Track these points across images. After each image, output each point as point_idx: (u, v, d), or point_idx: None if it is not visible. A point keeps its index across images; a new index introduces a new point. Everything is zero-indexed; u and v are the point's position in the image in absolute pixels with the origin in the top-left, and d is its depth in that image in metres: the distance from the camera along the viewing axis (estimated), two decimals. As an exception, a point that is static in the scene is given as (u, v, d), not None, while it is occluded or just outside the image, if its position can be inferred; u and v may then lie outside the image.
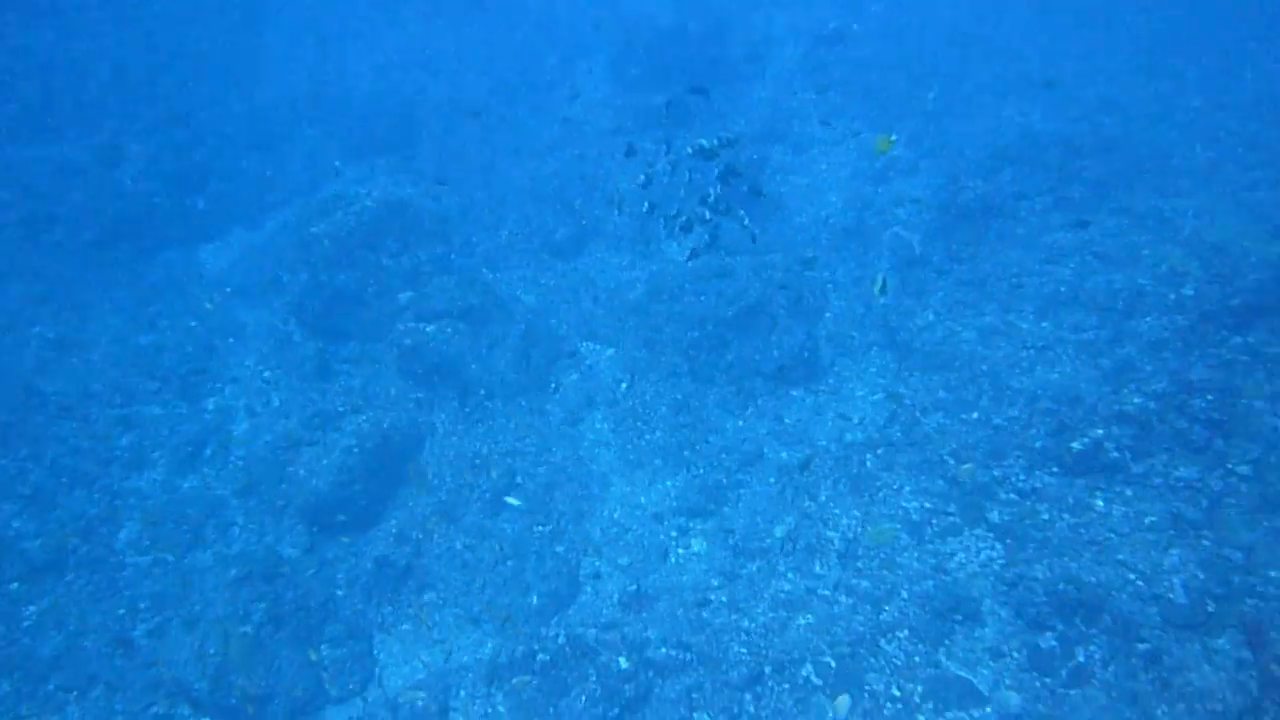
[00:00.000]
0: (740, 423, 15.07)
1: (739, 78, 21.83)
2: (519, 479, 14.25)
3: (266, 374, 15.81)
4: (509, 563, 12.91)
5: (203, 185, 20.11)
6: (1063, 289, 14.33)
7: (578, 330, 17.15)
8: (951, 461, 11.96)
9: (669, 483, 14.30)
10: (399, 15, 25.43)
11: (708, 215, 10.76)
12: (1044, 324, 14.10)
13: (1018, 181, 16.56)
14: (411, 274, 16.92)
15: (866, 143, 20.42)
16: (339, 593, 12.65)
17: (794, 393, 15.44)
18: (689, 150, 10.44)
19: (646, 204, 11.18)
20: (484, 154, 21.02)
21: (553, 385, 16.31)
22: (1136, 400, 11.19)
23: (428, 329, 15.95)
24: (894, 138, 10.36)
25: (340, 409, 14.99)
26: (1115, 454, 10.81)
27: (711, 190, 10.75)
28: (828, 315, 16.81)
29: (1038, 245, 15.35)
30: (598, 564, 13.11)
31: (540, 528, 13.42)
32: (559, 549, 13.18)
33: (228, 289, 17.86)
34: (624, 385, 16.09)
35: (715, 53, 21.60)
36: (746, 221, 11.01)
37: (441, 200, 19.77)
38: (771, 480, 13.80)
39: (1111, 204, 15.65)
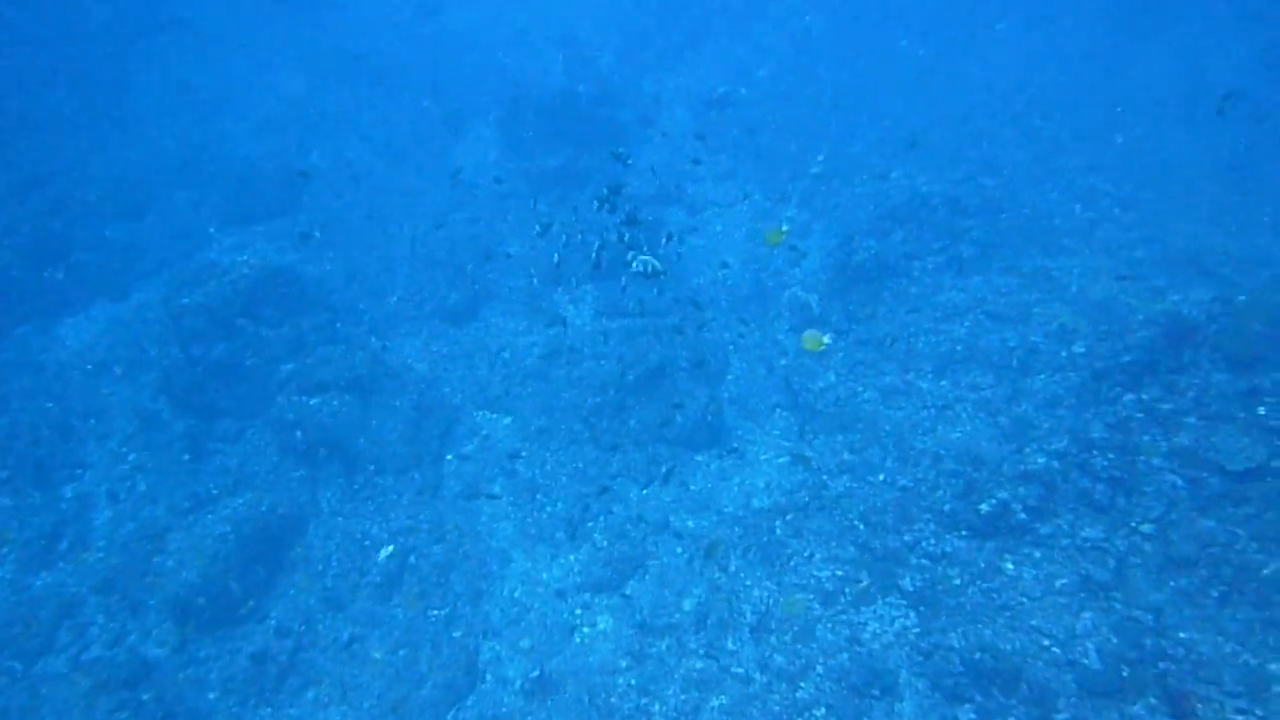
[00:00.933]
0: (644, 491, 14.67)
1: (631, 140, 21.87)
2: (412, 559, 13.49)
3: (132, 457, 14.66)
4: (401, 652, 12.09)
5: (62, 255, 18.83)
6: (959, 348, 14.55)
7: (473, 399, 16.57)
8: (861, 526, 11.80)
9: (572, 556, 13.76)
10: (278, 75, 24.69)
11: (628, 254, 10.47)
12: (943, 383, 14.26)
13: (909, 241, 16.89)
14: (294, 344, 16.09)
15: (760, 205, 20.64)
16: (211, 695, 11.59)
17: (699, 458, 15.16)
18: (594, 204, 10.22)
19: (555, 255, 10.82)
20: (371, 218, 20.37)
21: (447, 457, 15.66)
22: (1040, 460, 11.30)
23: (311, 402, 15.13)
24: (786, 229, 10.47)
25: (214, 491, 14.00)
26: (1022, 515, 10.84)
27: (621, 232, 10.49)
28: (729, 378, 16.70)
29: (932, 304, 15.60)
30: (498, 648, 12.42)
31: (435, 612, 12.67)
32: (455, 634, 12.46)
33: (89, 366, 16.62)
34: (522, 455, 15.53)
35: (606, 115, 21.62)
36: (656, 256, 10.76)
37: (326, 266, 19.01)
38: (679, 550, 13.39)
39: (1000, 263, 16.10)
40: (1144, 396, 11.27)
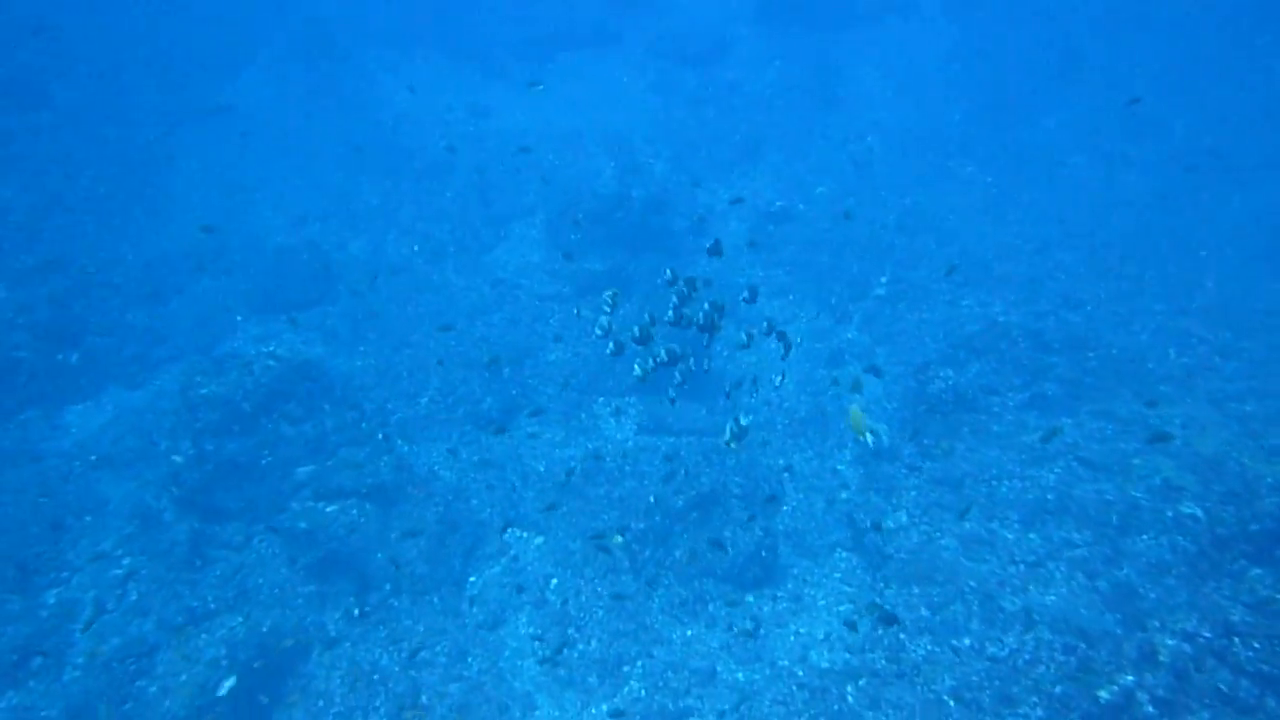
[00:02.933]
0: (689, 632, 13.30)
1: (683, 250, 21.20)
2: (424, 698, 12.08)
3: (126, 561, 13.48)
4: (409, 813, 10.59)
5: (78, 338, 18.13)
6: (1049, 497, 13.35)
7: (503, 514, 15.38)
8: (952, 704, 10.34)
9: (605, 706, 12.34)
10: (323, 167, 24.47)
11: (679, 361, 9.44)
12: (1031, 535, 13.01)
13: (986, 374, 15.86)
14: (315, 444, 15.06)
15: (819, 323, 19.75)
16: None
17: (749, 598, 13.84)
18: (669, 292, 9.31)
19: (612, 343, 9.62)
20: (406, 315, 19.65)
21: (471, 579, 14.39)
22: (1168, 641, 9.90)
23: (328, 509, 14.03)
24: (873, 429, 9.56)
25: (212, 606, 12.77)
26: (1150, 708, 9.41)
27: (702, 309, 9.47)
28: (785, 509, 15.46)
29: (1016, 445, 14.45)
30: (520, 814, 10.88)
31: (450, 765, 11.19)
32: (472, 794, 10.94)
33: (92, 457, 15.64)
34: (554, 582, 14.23)
35: (658, 223, 21.02)
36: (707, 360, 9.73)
37: (356, 362, 18.17)
38: (726, 708, 11.91)
39: (1090, 405, 14.99)
40: (1285, 574, 9.91)
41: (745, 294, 10.14)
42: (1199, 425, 14.06)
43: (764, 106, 27.33)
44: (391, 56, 30.76)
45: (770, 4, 32.40)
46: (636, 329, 9.44)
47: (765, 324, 10.09)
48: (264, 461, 14.38)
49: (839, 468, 16.13)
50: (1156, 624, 10.24)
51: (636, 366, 9.25)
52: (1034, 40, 29.67)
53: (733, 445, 8.85)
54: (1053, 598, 11.96)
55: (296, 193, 24.07)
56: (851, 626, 12.42)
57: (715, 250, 10.32)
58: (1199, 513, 11.97)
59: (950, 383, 15.58)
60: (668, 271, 9.72)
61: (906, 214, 22.72)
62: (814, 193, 24.09)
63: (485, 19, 32.24)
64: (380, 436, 15.60)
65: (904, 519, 14.05)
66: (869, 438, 10.54)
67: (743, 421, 9.00)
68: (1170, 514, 12.41)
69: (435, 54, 31.25)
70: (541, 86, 20.14)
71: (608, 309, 9.47)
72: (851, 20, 32.38)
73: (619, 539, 14.17)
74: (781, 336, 9.76)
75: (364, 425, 15.76)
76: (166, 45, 28.34)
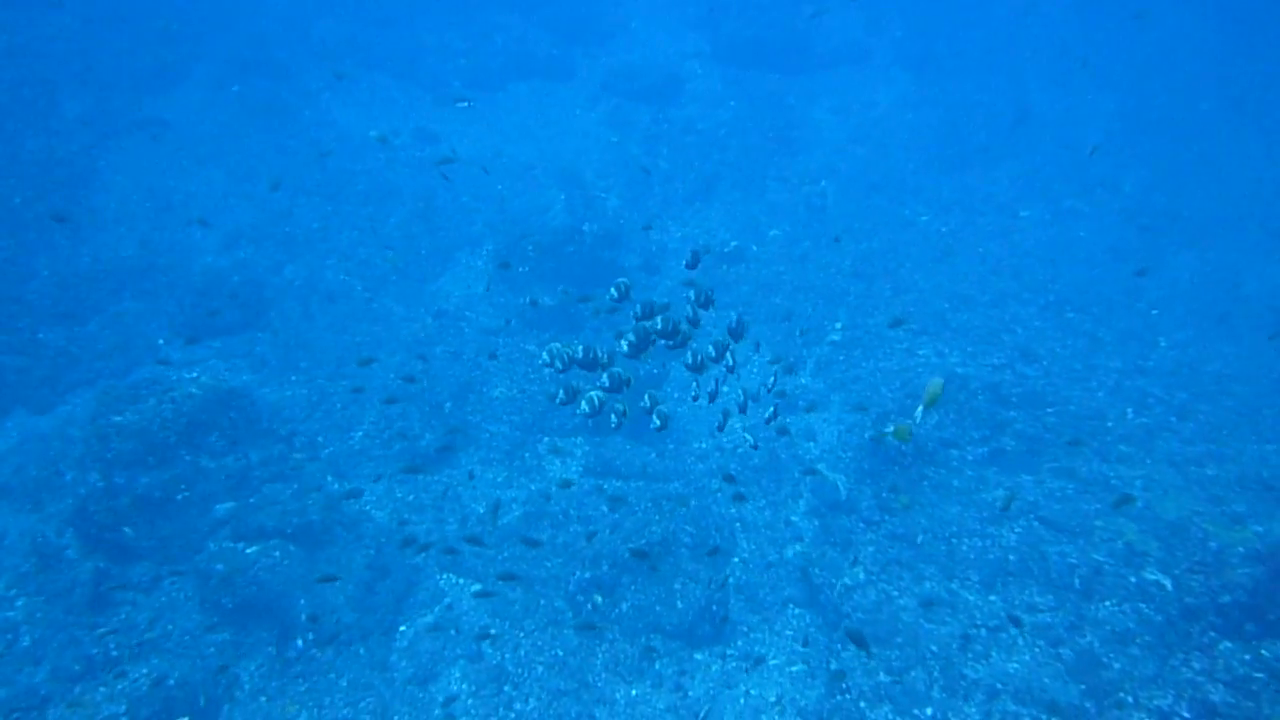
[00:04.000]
0: (634, 691, 12.67)
1: (635, 287, 20.70)
2: (348, 761, 11.22)
3: (20, 603, 12.41)
4: None
5: (-18, 356, 16.96)
6: (1010, 557, 13.16)
7: (438, 559, 14.57)
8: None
9: (543, 770, 11.56)
10: (257, 186, 23.58)
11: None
12: (992, 598, 12.75)
13: (945, 427, 15.67)
14: (237, 479, 14.16)
15: (770, 368, 19.37)
16: None
17: (699, 656, 13.28)
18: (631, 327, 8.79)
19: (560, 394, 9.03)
20: (342, 343, 18.81)
21: (401, 629, 13.59)
22: (1143, 720, 9.56)
23: (248, 550, 13.14)
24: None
25: (114, 653, 11.80)
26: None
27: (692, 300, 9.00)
28: (735, 560, 14.90)
29: (976, 502, 14.22)
30: None
31: (372, 837, 10.33)
32: None
33: (-12, 485, 14.51)
34: (492, 633, 13.45)
35: (609, 257, 20.59)
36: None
37: (287, 391, 17.29)
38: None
39: (1051, 463, 14.84)
40: (1265, 652, 9.64)
41: (688, 311, 9.53)
42: (1160, 488, 13.99)
43: (718, 146, 27.18)
44: (337, 79, 30.01)
45: (725, 45, 32.48)
46: (580, 349, 8.91)
47: (720, 357, 9.57)
48: (180, 497, 13.42)
49: (793, 519, 15.67)
50: (1129, 699, 9.91)
51: (584, 403, 8.70)
52: (986, 92, 30.10)
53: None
54: (1015, 665, 11.65)
55: (230, 213, 23.11)
56: (798, 686, 11.90)
57: (693, 263, 9.83)
58: (1166, 581, 11.81)
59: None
60: (612, 290, 9.17)
61: (862, 260, 22.61)
62: (767, 234, 23.89)
63: (435, 44, 31.73)
64: (310, 472, 14.74)
65: (861, 576, 13.62)
66: (918, 413, 10.22)
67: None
68: (1134, 580, 12.29)
69: (383, 77, 30.60)
70: (466, 104, 19.48)
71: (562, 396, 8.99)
72: (806, 65, 32.59)
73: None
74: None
75: (293, 459, 14.90)
76: (98, 56, 27.28)
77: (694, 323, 8.88)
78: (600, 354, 8.98)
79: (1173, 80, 30.77)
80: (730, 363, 9.39)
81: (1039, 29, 35.27)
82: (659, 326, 8.60)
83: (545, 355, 8.97)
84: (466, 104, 19.50)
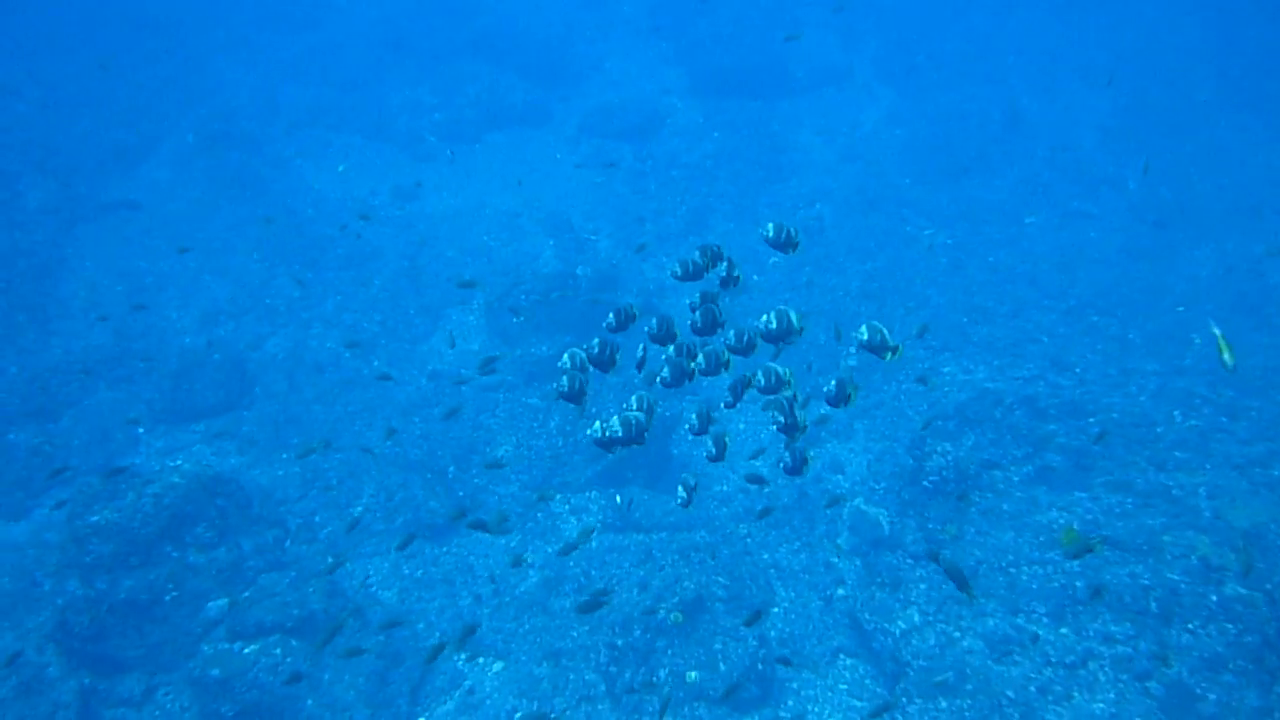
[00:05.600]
0: (684, 770, 11.58)
1: (635, 329, 19.92)
2: None
3: (-2, 731, 11.36)
4: None
5: (-51, 464, 16.04)
6: (1077, 584, 12.19)
7: (454, 638, 13.54)
8: None
9: None
10: (233, 259, 22.85)
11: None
12: (1063, 630, 11.81)
13: (984, 447, 14.81)
14: (230, 573, 13.21)
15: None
16: None
17: (748, 721, 12.19)
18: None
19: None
20: (334, 415, 17.94)
21: (420, 720, 12.52)
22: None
23: (246, 651, 12.17)
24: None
25: (105, 781, 10.68)
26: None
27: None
28: (775, 611, 13.93)
29: (1030, 526, 13.32)
30: None
31: None
32: None
33: (-40, 603, 13.49)
34: (519, 717, 12.44)
35: (608, 300, 19.77)
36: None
37: (278, 471, 16.38)
38: None
39: (1104, 477, 13.97)
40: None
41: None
42: (1227, 495, 13.08)
43: (707, 177, 26.60)
44: (308, 144, 29.46)
45: (703, 77, 32.10)
46: (597, 344, 7.95)
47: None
48: (168, 598, 12.44)
49: (833, 560, 14.72)
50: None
51: (597, 425, 7.62)
52: (973, 100, 29.68)
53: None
54: (1100, 706, 10.68)
55: (206, 289, 22.35)
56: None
57: (705, 319, 8.51)
58: (1256, 597, 10.88)
59: (950, 458, 14.39)
60: (610, 317, 8.15)
61: (869, 280, 21.89)
62: (767, 263, 23.16)
63: (406, 101, 31.25)
64: (308, 556, 13.78)
65: (916, 618, 12.67)
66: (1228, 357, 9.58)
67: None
68: (1214, 598, 11.40)
69: (356, 139, 30.04)
70: (451, 154, 18.82)
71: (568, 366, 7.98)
72: (787, 90, 32.17)
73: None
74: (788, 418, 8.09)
75: (288, 545, 13.97)
76: (58, 142, 26.69)
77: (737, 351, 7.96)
78: (616, 355, 8.03)
79: (1166, 72, 30.39)
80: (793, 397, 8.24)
81: (1019, 33, 35.04)
82: (701, 364, 7.71)
83: (565, 359, 8.01)
84: (451, 154, 18.95)
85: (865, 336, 7.60)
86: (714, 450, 7.93)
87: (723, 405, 8.29)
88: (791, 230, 8.07)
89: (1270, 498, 13.05)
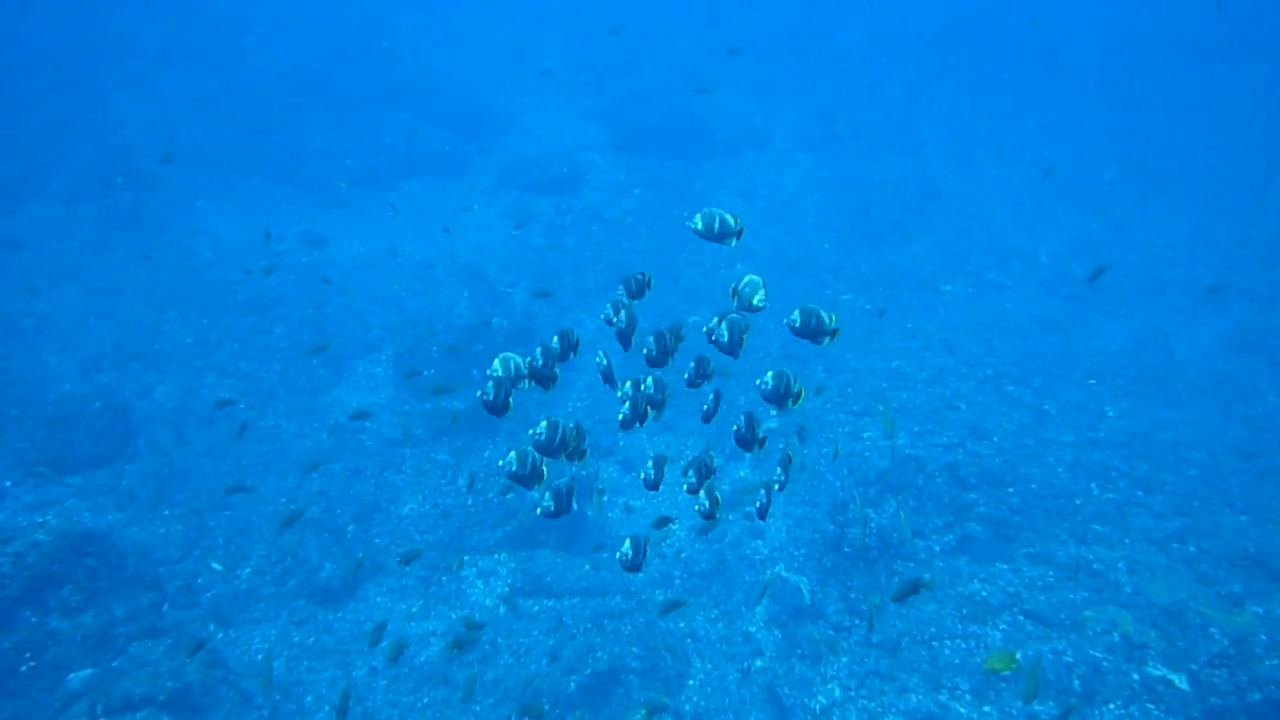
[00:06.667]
0: None
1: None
2: None
3: None
4: None
5: None
6: (999, 660, 11.95)
7: (350, 715, 12.59)
8: None
9: None
10: (120, 303, 21.68)
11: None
12: (986, 709, 11.52)
13: (908, 515, 14.62)
14: (97, 640, 12.13)
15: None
16: None
17: (662, 806, 11.55)
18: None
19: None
20: (224, 470, 16.92)
21: (306, 806, 11.55)
22: None
23: (111, 727, 11.00)
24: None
25: None
26: None
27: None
28: (690, 683, 13.37)
29: (953, 598, 13.18)
30: None
31: None
32: None
33: None
34: (415, 800, 11.60)
35: (523, 353, 19.27)
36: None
37: (159, 529, 15.27)
38: None
39: (1025, 549, 13.99)
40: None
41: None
42: (1146, 570, 13.19)
43: (627, 233, 26.52)
44: (210, 186, 28.45)
45: (624, 134, 32.32)
46: (540, 352, 7.48)
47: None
48: (24, 669, 11.30)
49: (750, 629, 14.26)
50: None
51: (512, 455, 7.10)
52: (891, 169, 30.40)
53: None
54: (1028, 787, 10.41)
55: (91, 333, 21.10)
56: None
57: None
58: (1176, 678, 10.87)
59: (873, 525, 14.19)
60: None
61: (789, 342, 21.83)
62: (688, 320, 22.99)
63: (318, 145, 30.55)
64: (187, 622, 12.76)
65: (837, 693, 12.30)
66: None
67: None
68: (1137, 676, 11.39)
69: (262, 182, 29.17)
70: (391, 209, 18.38)
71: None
72: (708, 151, 32.59)
73: None
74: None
75: (165, 609, 12.92)
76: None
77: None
78: (555, 366, 7.52)
79: (1073, 153, 31.66)
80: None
81: (933, 108, 36.25)
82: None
83: (497, 365, 7.42)
84: (392, 208, 18.44)
85: (770, 383, 7.33)
86: (652, 475, 7.59)
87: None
88: (727, 218, 7.55)
89: (1188, 574, 13.18)
